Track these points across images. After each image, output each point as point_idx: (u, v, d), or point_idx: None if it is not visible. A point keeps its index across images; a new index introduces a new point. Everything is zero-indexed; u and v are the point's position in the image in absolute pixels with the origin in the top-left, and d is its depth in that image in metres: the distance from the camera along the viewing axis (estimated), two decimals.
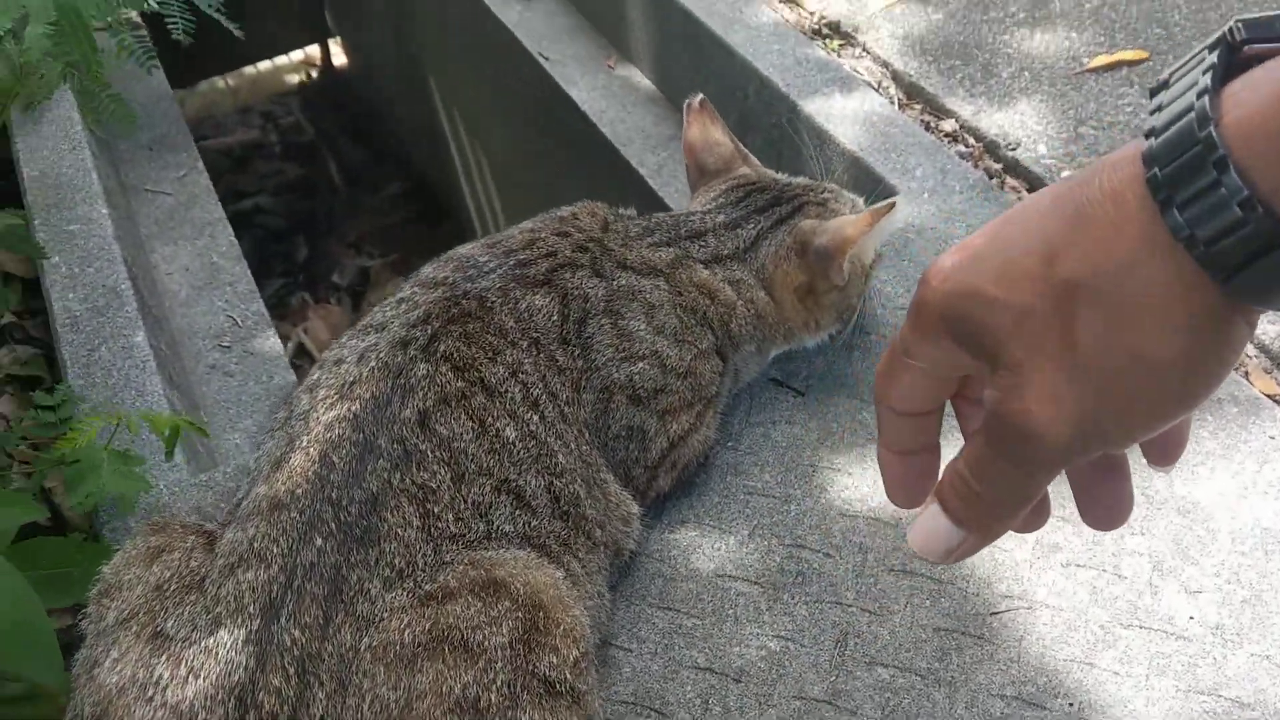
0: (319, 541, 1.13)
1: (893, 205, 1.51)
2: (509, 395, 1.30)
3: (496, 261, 1.42)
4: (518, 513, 1.25)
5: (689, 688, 1.32)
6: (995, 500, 0.64)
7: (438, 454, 1.21)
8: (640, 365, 1.42)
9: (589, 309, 1.41)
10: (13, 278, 2.21)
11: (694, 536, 1.47)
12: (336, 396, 1.25)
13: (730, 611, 1.39)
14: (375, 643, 1.08)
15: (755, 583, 1.41)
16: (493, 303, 1.36)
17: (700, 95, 1.69)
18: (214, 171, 4.32)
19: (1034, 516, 0.70)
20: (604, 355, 1.40)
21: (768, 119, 2.19)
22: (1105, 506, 0.71)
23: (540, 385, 1.34)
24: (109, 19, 2.10)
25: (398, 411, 1.23)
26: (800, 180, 1.66)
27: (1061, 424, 0.59)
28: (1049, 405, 0.59)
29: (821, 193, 1.62)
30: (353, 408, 1.23)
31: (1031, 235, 0.60)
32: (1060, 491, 0.70)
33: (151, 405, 1.70)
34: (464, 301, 1.35)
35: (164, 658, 1.07)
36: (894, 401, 0.69)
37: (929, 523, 0.67)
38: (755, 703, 1.30)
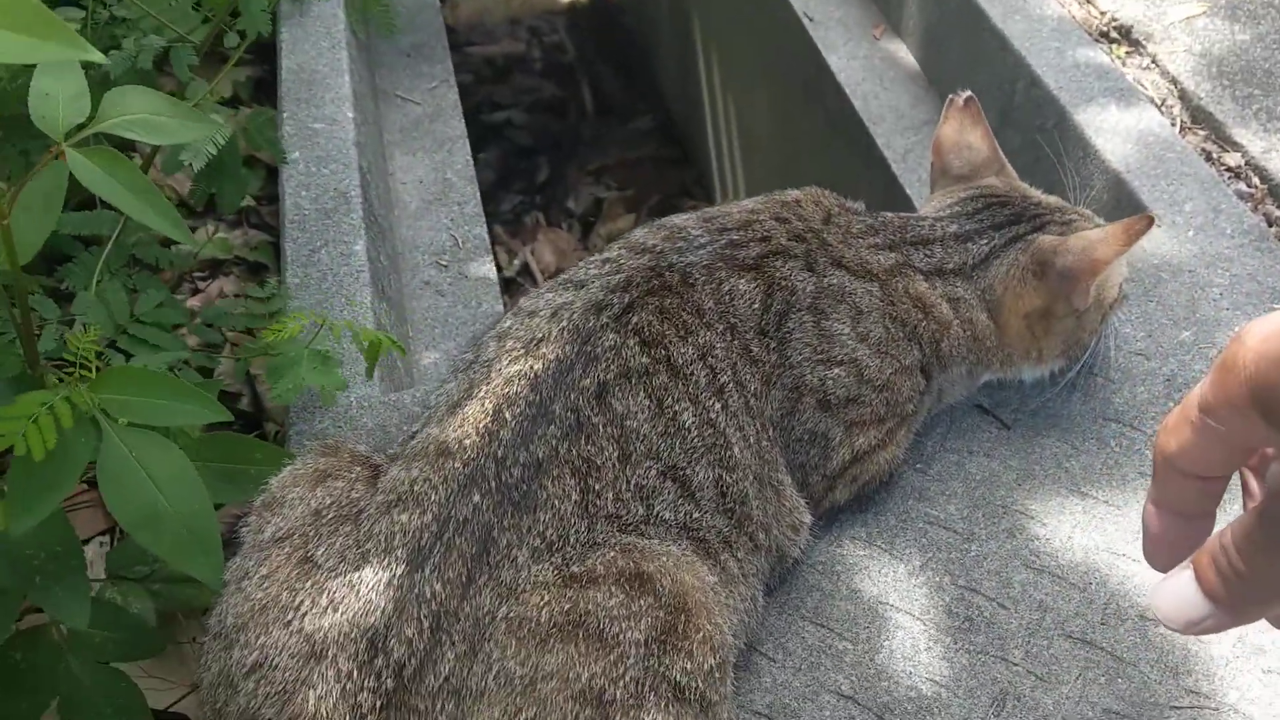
0: (477, 497, 1.12)
1: (1150, 222, 1.37)
2: (694, 378, 1.25)
3: (709, 237, 1.36)
4: (681, 502, 1.21)
5: (827, 713, 1.26)
6: (1256, 585, 0.59)
7: (609, 429, 1.18)
8: (836, 371, 1.35)
9: (793, 303, 1.34)
10: (257, 162, 2.29)
11: (862, 556, 1.40)
12: (522, 351, 1.24)
13: (886, 643, 1.32)
14: (512, 614, 1.06)
15: (918, 618, 1.33)
16: (696, 279, 1.31)
17: (968, 92, 1.57)
18: (476, 79, 4.40)
19: None
20: (800, 353, 1.34)
21: (1033, 120, 2.05)
22: None
23: (729, 373, 1.28)
24: None
25: (578, 379, 1.20)
26: (1050, 199, 1.53)
27: None
28: None
29: (1069, 215, 1.49)
30: (535, 366, 1.21)
31: None
32: None
33: (359, 316, 1.74)
34: (667, 274, 1.31)
35: (309, 584, 1.08)
36: (1180, 461, 0.62)
37: (1180, 589, 0.61)
38: None
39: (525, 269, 3.80)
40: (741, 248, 1.36)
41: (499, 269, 3.41)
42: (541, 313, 1.29)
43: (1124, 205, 1.81)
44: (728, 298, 1.32)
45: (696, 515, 1.22)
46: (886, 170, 2.19)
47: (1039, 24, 2.13)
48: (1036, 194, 1.53)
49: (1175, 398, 1.52)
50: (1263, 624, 1.21)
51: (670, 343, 1.26)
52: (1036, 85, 2.02)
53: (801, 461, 1.37)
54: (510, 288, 3.53)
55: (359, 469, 1.21)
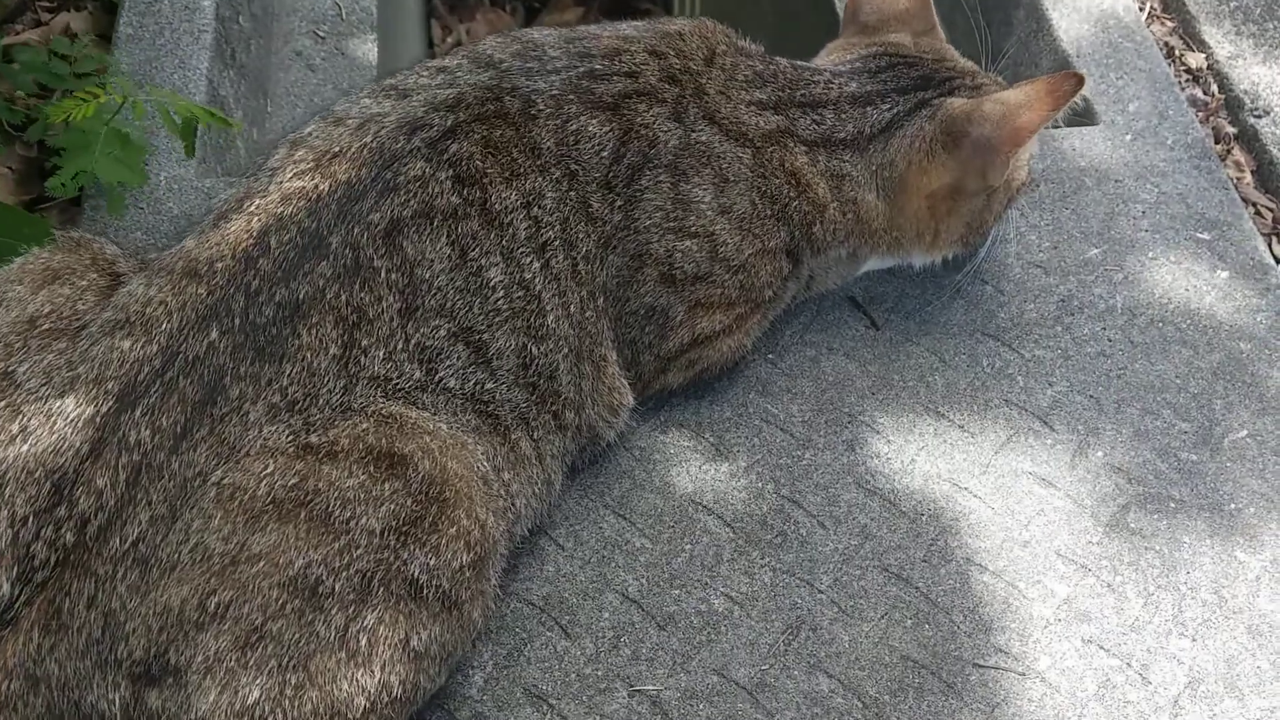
0: (214, 334, 0.95)
1: (1079, 81, 1.18)
2: (512, 230, 1.08)
3: (566, 61, 1.17)
4: (472, 370, 1.06)
5: (606, 615, 1.15)
6: None
7: (393, 276, 1.01)
8: (688, 243, 1.18)
9: (651, 156, 1.16)
10: None
11: (685, 447, 1.26)
12: (312, 164, 1.05)
13: (687, 547, 1.19)
14: (227, 480, 0.91)
15: (729, 524, 1.21)
16: (539, 111, 1.12)
17: None
18: None
19: None
20: (650, 218, 1.16)
21: None
22: None
23: (556, 228, 1.11)
24: None
25: (366, 210, 1.02)
26: (965, 63, 1.33)
27: None
28: None
29: (979, 79, 1.30)
30: (321, 187, 1.03)
31: None
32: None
33: (189, 84, 1.53)
34: (507, 99, 1.12)
35: (1, 404, 0.92)
36: None
37: None
38: (669, 660, 1.12)
39: (458, 47, 3.53)
40: (602, 80, 1.16)
41: (430, 44, 3.15)
42: (349, 121, 1.10)
43: None
44: (573, 139, 1.13)
45: (490, 386, 1.07)
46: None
47: None
48: (954, 55, 1.33)
49: (1066, 323, 1.37)
50: (1092, 587, 1.10)
51: (491, 183, 1.08)
52: None
53: (634, 337, 1.21)
54: None
55: (95, 275, 1.03)
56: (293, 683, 0.89)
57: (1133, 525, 1.22)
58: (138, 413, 0.92)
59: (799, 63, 1.29)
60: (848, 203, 1.24)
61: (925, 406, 1.30)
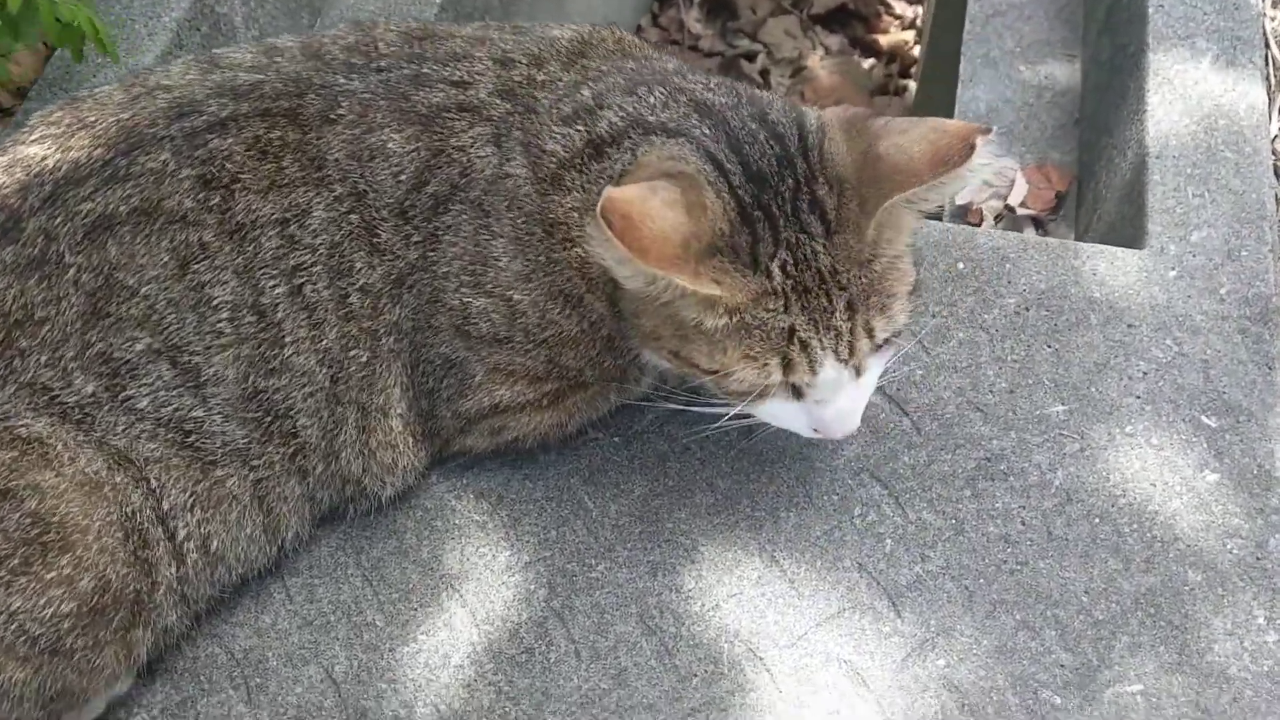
0: None
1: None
2: (255, 246, 0.95)
3: (393, 61, 1.01)
4: (175, 393, 0.95)
5: (299, 690, 1.04)
6: None
7: (84, 277, 0.91)
8: (483, 301, 1.01)
9: (461, 187, 0.99)
10: None
11: (472, 520, 1.11)
12: (58, 134, 0.96)
13: (421, 637, 1.05)
14: None
15: (477, 624, 1.06)
16: (340, 116, 0.98)
17: None
18: None
19: None
20: (448, 264, 1.00)
21: (1119, 38, 1.51)
22: None
23: (321, 253, 0.97)
24: None
25: (78, 198, 0.91)
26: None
27: None
28: None
29: None
30: (48, 161, 0.94)
31: None
32: None
33: None
34: (310, 96, 0.98)
35: None
36: None
37: None
38: None
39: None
40: (423, 87, 1.00)
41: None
42: (134, 88, 1.00)
43: (1134, 197, 1.32)
44: (367, 154, 0.98)
45: (199, 415, 0.96)
46: None
47: None
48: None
49: (979, 489, 1.11)
50: None
51: (245, 190, 0.95)
52: None
53: (432, 388, 1.06)
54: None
55: None
56: None
57: None
58: None
59: (697, 78, 1.03)
60: None
61: (762, 547, 1.09)
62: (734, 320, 0.87)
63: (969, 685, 1.02)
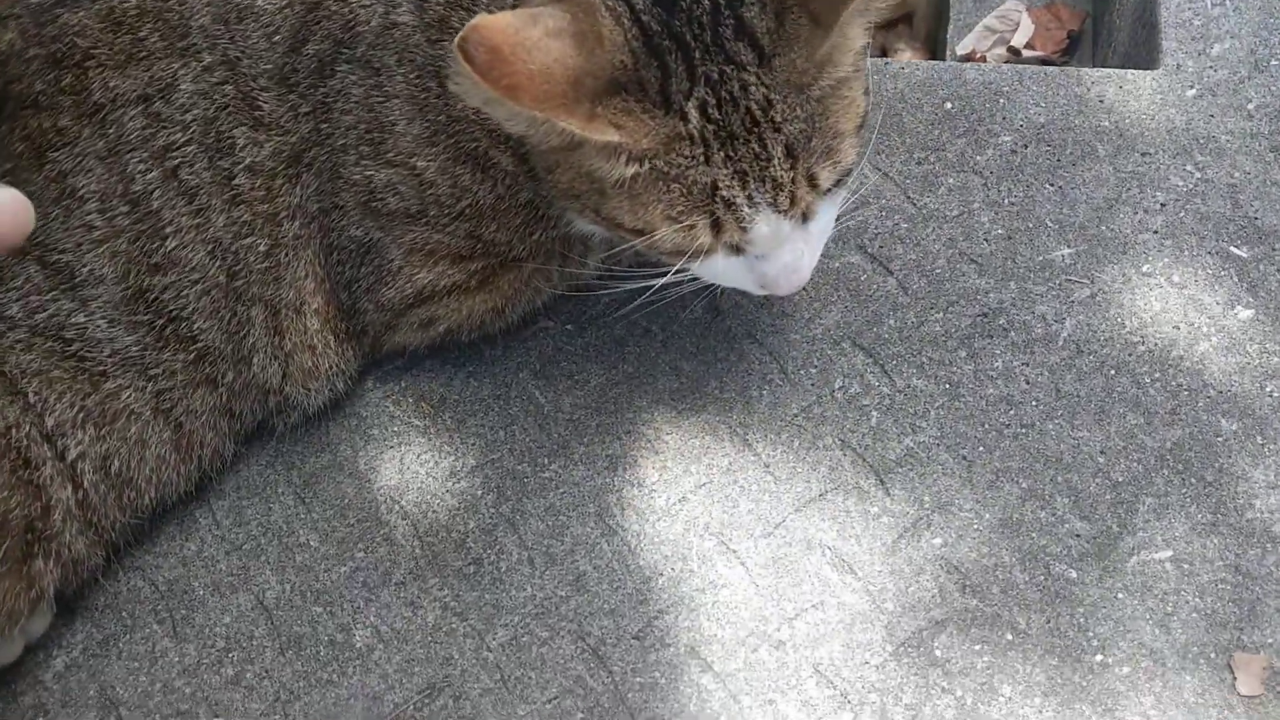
0: None
1: None
2: (121, 128, 0.85)
3: None
4: (50, 298, 0.86)
5: (228, 620, 0.94)
6: None
7: None
8: (387, 173, 0.90)
9: (345, 44, 0.87)
10: None
11: (412, 425, 1.01)
12: None
13: (358, 555, 0.96)
14: None
15: (419, 537, 0.96)
16: None
17: None
18: None
19: None
20: (343, 135, 0.89)
21: None
22: None
23: (195, 130, 0.87)
24: None
25: None
26: None
27: None
28: None
29: None
30: None
31: None
32: None
33: None
34: None
35: None
36: None
37: None
38: (270, 693, 0.91)
39: None
40: None
41: None
42: None
43: (1146, 17, 1.17)
44: (235, 15, 0.87)
45: (80, 320, 0.87)
46: None
47: None
48: None
49: (976, 348, 0.98)
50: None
51: (98, 67, 0.85)
52: None
53: (350, 278, 0.96)
54: None
55: None
56: None
57: (938, 653, 0.86)
58: None
59: None
60: None
61: (733, 430, 0.97)
62: (646, 169, 0.74)
63: (970, 564, 0.89)
